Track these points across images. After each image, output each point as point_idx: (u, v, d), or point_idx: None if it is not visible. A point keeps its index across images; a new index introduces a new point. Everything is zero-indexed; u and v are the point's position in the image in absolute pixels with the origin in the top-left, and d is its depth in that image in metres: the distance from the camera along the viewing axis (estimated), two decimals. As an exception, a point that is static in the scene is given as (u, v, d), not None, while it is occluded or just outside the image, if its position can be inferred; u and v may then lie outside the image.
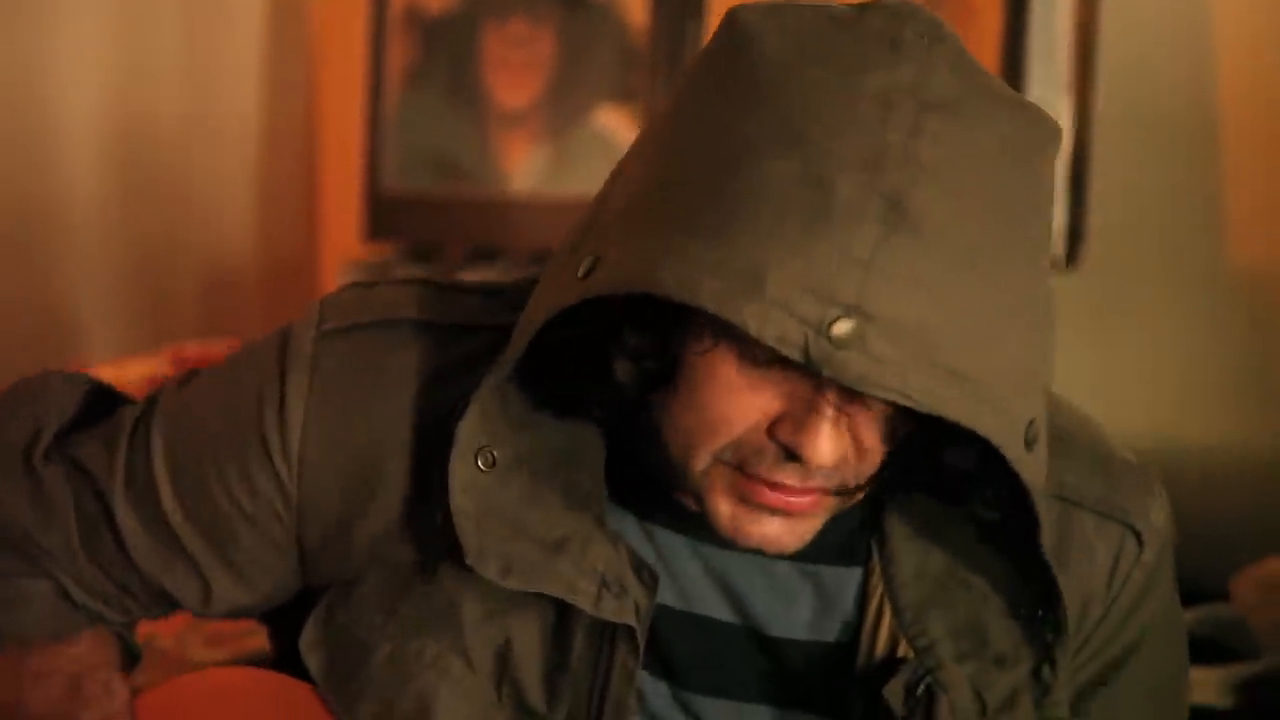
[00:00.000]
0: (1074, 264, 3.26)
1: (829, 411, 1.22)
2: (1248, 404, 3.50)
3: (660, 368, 1.28)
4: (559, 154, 3.55)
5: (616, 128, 3.47)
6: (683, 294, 1.19)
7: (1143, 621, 1.40)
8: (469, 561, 1.32)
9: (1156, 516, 1.40)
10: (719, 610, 1.38)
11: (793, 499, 1.26)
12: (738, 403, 1.24)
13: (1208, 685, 2.80)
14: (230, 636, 2.40)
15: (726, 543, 1.35)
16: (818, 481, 1.25)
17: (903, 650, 1.35)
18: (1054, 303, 1.29)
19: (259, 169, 3.94)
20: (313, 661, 1.40)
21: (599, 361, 1.31)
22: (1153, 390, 3.46)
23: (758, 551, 1.35)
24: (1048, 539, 1.30)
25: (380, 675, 1.37)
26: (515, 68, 3.59)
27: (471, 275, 3.26)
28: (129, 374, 2.85)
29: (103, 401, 1.49)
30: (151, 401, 1.45)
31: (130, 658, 1.47)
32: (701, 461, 1.27)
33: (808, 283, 1.17)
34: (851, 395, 1.23)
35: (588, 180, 3.79)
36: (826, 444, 1.22)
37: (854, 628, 1.38)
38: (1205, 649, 2.71)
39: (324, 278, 3.83)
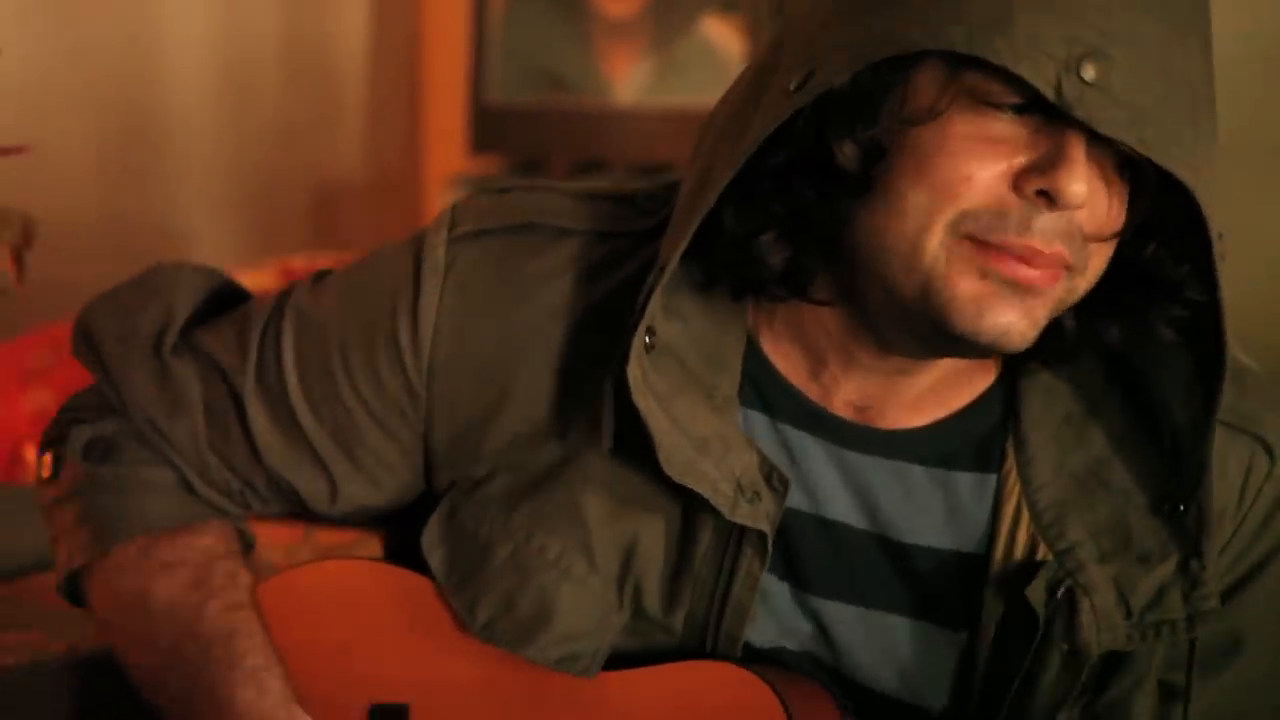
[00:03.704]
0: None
1: (1080, 150, 1.23)
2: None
3: (864, 168, 1.28)
4: (664, 65, 3.55)
5: (721, 39, 3.46)
6: (928, 42, 1.21)
7: (1273, 538, 1.38)
8: (656, 439, 1.30)
9: None
10: (849, 514, 1.37)
11: (1035, 271, 1.26)
12: (979, 158, 1.24)
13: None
14: (339, 549, 2.43)
15: (859, 444, 1.36)
16: (1060, 246, 1.25)
17: (1041, 554, 1.34)
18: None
19: (365, 84, 3.97)
20: (434, 560, 1.39)
21: (758, 226, 1.31)
22: (1245, 299, 3.42)
23: (890, 455, 1.36)
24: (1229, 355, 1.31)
25: (501, 574, 1.37)
26: (620, -22, 3.59)
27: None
28: (238, 287, 2.89)
29: (229, 296, 1.49)
30: (283, 299, 1.45)
31: (246, 546, 1.47)
32: (935, 238, 1.25)
33: (1055, 22, 1.20)
34: (1094, 157, 1.26)
35: (692, 91, 3.79)
36: (1081, 181, 1.23)
37: (988, 535, 1.36)
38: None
39: (429, 191, 3.85)
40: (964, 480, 1.37)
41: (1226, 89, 3.52)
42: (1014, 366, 1.38)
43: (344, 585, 1.44)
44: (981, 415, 1.38)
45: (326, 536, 2.35)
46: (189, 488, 1.44)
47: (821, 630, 1.38)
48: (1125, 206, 1.27)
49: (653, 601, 1.36)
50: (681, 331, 1.35)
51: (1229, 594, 1.37)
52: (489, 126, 3.69)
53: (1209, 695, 1.37)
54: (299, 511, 1.46)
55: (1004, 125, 1.24)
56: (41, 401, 2.95)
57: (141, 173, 3.64)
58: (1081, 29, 1.20)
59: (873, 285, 1.29)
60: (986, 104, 1.23)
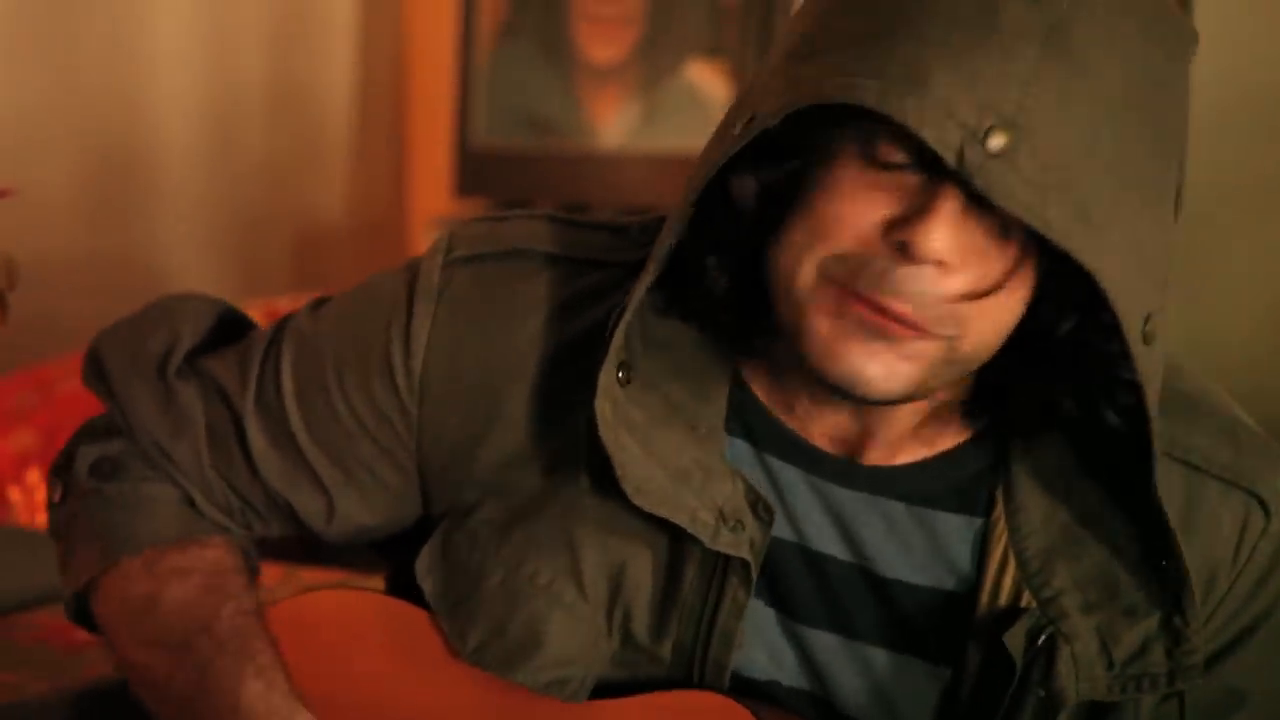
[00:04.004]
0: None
1: (949, 205, 1.21)
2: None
3: (776, 202, 1.28)
4: (649, 109, 3.56)
5: (707, 83, 3.47)
6: (841, 94, 1.20)
7: (1271, 594, 1.38)
8: (618, 472, 1.32)
9: None
10: (832, 546, 1.38)
11: (894, 324, 1.25)
12: (855, 202, 1.24)
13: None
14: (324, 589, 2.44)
15: (841, 478, 1.37)
16: (910, 307, 1.23)
17: (1025, 601, 1.34)
18: (1174, 204, 1.27)
19: (351, 127, 3.98)
20: (427, 586, 1.41)
21: (731, 253, 1.32)
22: (1248, 344, 3.46)
23: (872, 490, 1.36)
24: (1158, 446, 1.28)
25: (492, 600, 1.39)
26: (606, 23, 3.60)
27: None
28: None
29: (235, 326, 1.52)
30: (283, 324, 1.48)
31: (250, 571, 1.49)
32: (806, 276, 1.26)
33: (970, 88, 1.18)
34: (978, 216, 1.24)
35: (677, 135, 3.81)
36: (942, 235, 1.21)
37: (973, 577, 1.37)
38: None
39: (413, 234, 3.87)
40: (948, 521, 1.37)
41: (1226, 131, 3.52)
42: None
43: (340, 614, 1.46)
44: (968, 459, 1.38)
45: (310, 576, 2.35)
46: (192, 505, 1.46)
47: (806, 659, 1.39)
48: (1011, 266, 1.24)
49: (641, 629, 1.37)
50: (666, 362, 1.36)
51: (1228, 649, 1.38)
52: (474, 170, 3.71)
53: None
54: (298, 532, 1.49)
55: (892, 175, 1.23)
56: (25, 443, 2.99)
57: (127, 214, 3.66)
58: (998, 98, 1.18)
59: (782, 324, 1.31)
60: (878, 164, 1.23)
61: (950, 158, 1.18)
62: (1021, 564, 1.35)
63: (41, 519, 2.91)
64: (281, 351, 1.45)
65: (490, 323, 1.40)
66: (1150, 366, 1.25)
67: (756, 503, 1.36)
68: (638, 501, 1.33)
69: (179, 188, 3.70)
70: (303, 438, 1.43)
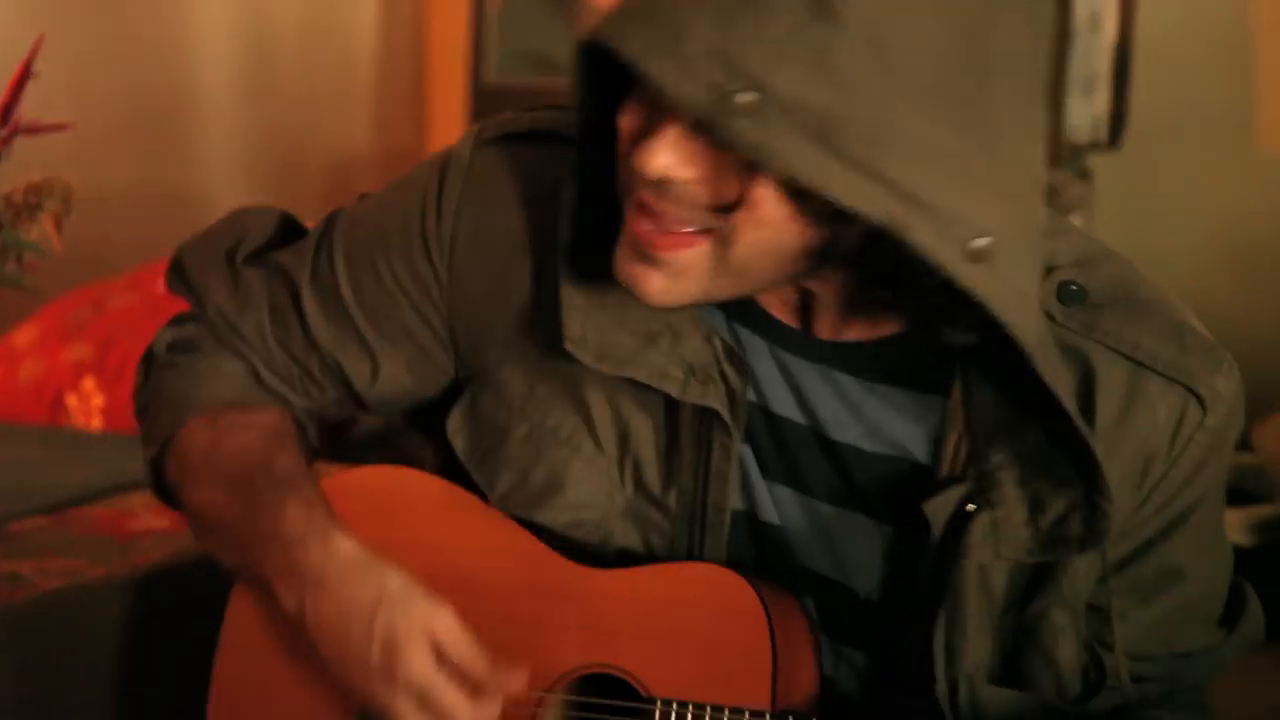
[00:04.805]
0: (1116, 144, 3.40)
1: (673, 129, 1.25)
2: (1271, 271, 3.67)
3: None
4: (648, 49, 3.69)
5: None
6: (611, 42, 1.23)
7: (1205, 482, 1.42)
8: (566, 346, 1.40)
9: (1223, 386, 1.40)
10: (790, 410, 1.44)
11: (658, 237, 1.30)
12: (625, 116, 1.30)
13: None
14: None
15: (796, 348, 1.43)
16: (670, 204, 1.28)
17: (962, 471, 1.39)
18: (1028, 132, 1.28)
19: (375, 67, 4.08)
20: (458, 443, 1.50)
21: None
22: (1185, 258, 3.63)
23: (823, 361, 1.42)
24: (1045, 367, 1.32)
25: (518, 451, 1.47)
26: (610, -33, 3.74)
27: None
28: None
29: (295, 230, 1.62)
30: (335, 213, 1.58)
31: (307, 445, 1.57)
32: (620, 181, 1.33)
33: (721, 52, 1.20)
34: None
35: (669, 72, 3.89)
36: (663, 157, 1.25)
37: (923, 449, 1.41)
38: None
39: (432, 164, 3.99)
40: (901, 396, 1.42)
41: (1172, 62, 3.62)
42: None
43: (385, 486, 1.55)
44: (911, 344, 1.40)
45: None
46: (257, 378, 1.57)
47: (776, 510, 1.46)
48: (759, 183, 1.26)
49: (651, 478, 1.46)
50: None
51: (1166, 530, 1.43)
52: (487, 106, 3.79)
53: (1150, 614, 1.45)
54: (349, 399, 1.58)
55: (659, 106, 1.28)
56: (81, 354, 3.06)
57: (172, 148, 3.78)
58: (750, 60, 1.20)
59: None
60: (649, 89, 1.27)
61: (696, 113, 1.21)
62: (970, 439, 1.39)
63: (96, 423, 3.03)
64: (334, 234, 1.55)
65: (509, 195, 1.47)
66: (989, 282, 1.25)
67: (733, 357, 1.42)
68: (601, 368, 1.41)
69: (219, 124, 3.82)
70: (352, 305, 1.53)
